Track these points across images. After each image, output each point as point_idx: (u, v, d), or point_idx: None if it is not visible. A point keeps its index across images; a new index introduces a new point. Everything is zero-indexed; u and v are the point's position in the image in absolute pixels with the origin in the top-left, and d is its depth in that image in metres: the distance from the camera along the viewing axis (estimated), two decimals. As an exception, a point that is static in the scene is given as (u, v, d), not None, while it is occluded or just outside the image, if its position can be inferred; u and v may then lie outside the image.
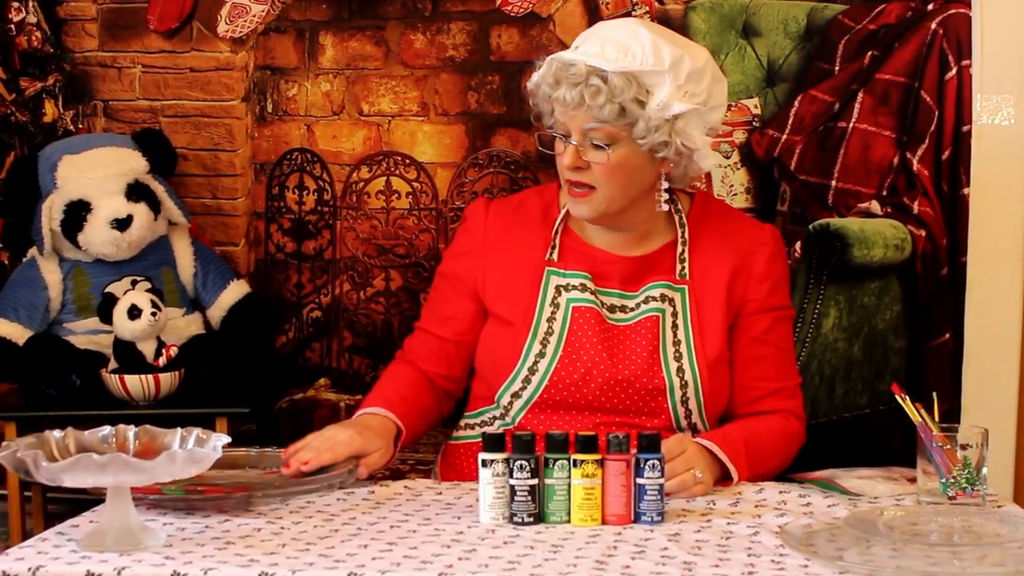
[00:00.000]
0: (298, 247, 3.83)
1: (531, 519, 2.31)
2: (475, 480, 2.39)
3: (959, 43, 3.55)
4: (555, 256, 2.78)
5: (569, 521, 2.31)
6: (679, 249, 2.78)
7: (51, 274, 3.56)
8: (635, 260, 2.77)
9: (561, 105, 2.64)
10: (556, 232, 2.79)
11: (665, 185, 2.73)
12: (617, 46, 2.60)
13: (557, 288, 2.75)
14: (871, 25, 3.62)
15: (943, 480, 2.40)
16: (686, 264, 2.77)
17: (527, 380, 2.72)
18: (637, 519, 2.31)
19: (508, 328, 2.76)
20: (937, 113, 3.57)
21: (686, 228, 2.78)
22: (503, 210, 2.85)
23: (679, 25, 3.63)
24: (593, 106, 2.59)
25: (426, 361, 2.85)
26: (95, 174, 3.51)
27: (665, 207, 2.74)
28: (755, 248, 2.80)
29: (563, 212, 2.81)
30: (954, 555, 2.07)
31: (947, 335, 3.61)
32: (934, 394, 2.53)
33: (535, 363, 2.72)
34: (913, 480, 2.51)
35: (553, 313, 2.73)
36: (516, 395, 2.73)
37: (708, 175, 3.64)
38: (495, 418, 2.79)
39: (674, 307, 2.74)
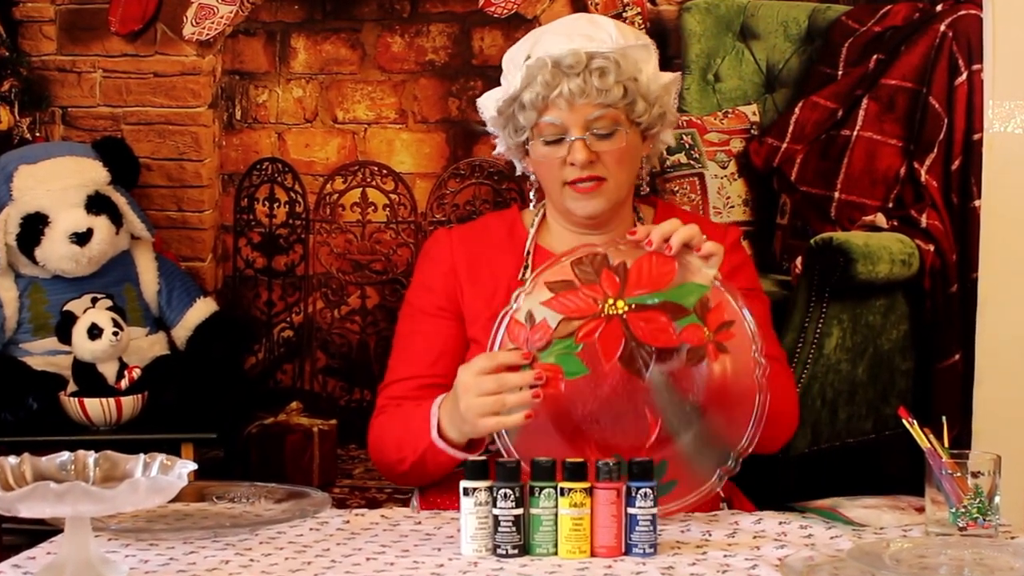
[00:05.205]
0: (268, 263, 3.83)
1: (516, 551, 2.31)
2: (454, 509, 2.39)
3: (969, 46, 3.57)
4: (528, 275, 2.79)
5: (556, 553, 2.31)
6: None
7: (6, 291, 3.55)
8: None
9: (564, 100, 2.66)
10: (528, 252, 2.81)
11: (647, 168, 2.81)
12: (586, 37, 2.67)
13: None
14: (876, 27, 3.63)
15: (953, 510, 2.40)
16: None
17: None
18: (628, 551, 2.31)
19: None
20: (946, 120, 3.58)
21: None
22: (467, 235, 2.85)
23: (673, 27, 3.64)
24: (603, 89, 2.63)
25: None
26: (53, 185, 3.51)
27: (646, 188, 2.81)
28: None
29: (533, 230, 2.82)
30: (964, 589, 2.08)
31: (957, 356, 3.62)
32: (943, 418, 2.53)
33: (520, 379, 2.72)
34: (921, 510, 2.51)
35: None
36: None
37: (704, 186, 3.65)
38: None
39: None
